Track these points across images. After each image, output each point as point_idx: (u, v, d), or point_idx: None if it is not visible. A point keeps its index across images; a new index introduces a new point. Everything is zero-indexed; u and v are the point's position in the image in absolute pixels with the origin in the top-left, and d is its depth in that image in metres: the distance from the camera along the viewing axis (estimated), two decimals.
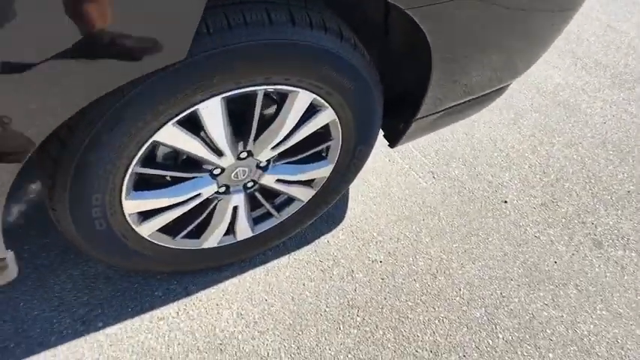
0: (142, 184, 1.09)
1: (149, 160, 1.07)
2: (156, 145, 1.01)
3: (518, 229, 1.89)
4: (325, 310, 1.47)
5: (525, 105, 2.53)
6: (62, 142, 0.91)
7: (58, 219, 1.03)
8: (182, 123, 0.99)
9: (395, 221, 1.78)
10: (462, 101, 1.41)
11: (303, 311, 1.45)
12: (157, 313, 1.33)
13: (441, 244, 1.75)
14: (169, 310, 1.35)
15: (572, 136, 2.35)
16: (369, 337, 1.44)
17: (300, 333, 1.40)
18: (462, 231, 1.82)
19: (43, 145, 0.94)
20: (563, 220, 1.97)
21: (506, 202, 1.98)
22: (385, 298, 1.55)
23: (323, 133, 1.24)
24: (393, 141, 1.44)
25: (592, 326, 1.58)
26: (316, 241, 1.64)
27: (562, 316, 1.60)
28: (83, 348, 1.22)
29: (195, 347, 1.29)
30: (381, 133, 1.46)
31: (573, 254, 1.85)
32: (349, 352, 1.38)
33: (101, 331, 1.26)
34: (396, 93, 1.36)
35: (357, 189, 1.84)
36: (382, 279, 1.60)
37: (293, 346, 1.37)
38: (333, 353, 1.37)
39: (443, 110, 1.39)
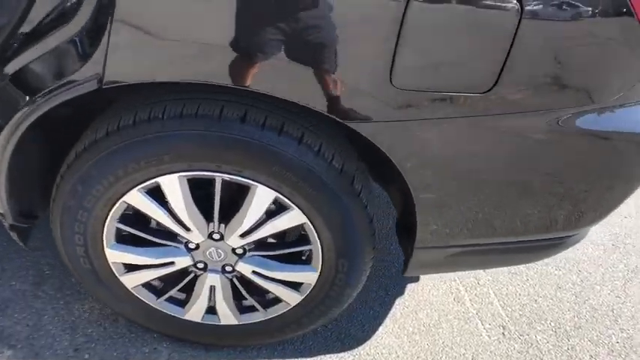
0: (130, 239, 1.25)
1: (134, 219, 1.22)
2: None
3: None
4: None
5: None
6: (57, 186, 1.13)
7: (58, 248, 1.25)
8: (152, 191, 1.13)
9: None
10: (487, 243, 1.20)
11: None
12: None
13: None
14: None
15: None
16: None
17: None
18: None
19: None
20: None
21: None
22: None
23: (304, 235, 1.21)
24: (404, 267, 1.29)
25: None
26: (319, 356, 1.51)
27: None
28: None
29: None
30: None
31: None
32: None
33: None
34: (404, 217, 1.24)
35: (397, 318, 1.65)
36: None
37: None
38: None
39: (457, 247, 1.20)
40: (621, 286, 1.89)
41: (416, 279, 1.81)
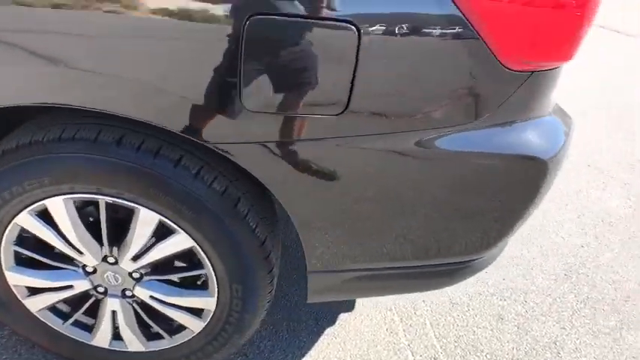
0: (30, 261, 1.25)
1: (35, 241, 1.23)
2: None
3: None
4: None
5: None
6: None
7: None
8: (42, 214, 1.15)
9: None
10: (383, 267, 1.18)
11: None
12: None
13: None
14: None
15: None
16: None
17: None
18: None
19: None
20: None
21: None
22: None
23: (199, 259, 1.20)
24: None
25: None
26: None
27: None
28: None
29: None
30: None
31: None
32: None
33: None
34: None
35: (322, 349, 1.61)
36: None
37: None
38: None
39: (351, 271, 1.18)
40: (568, 317, 1.83)
41: (350, 308, 1.77)
